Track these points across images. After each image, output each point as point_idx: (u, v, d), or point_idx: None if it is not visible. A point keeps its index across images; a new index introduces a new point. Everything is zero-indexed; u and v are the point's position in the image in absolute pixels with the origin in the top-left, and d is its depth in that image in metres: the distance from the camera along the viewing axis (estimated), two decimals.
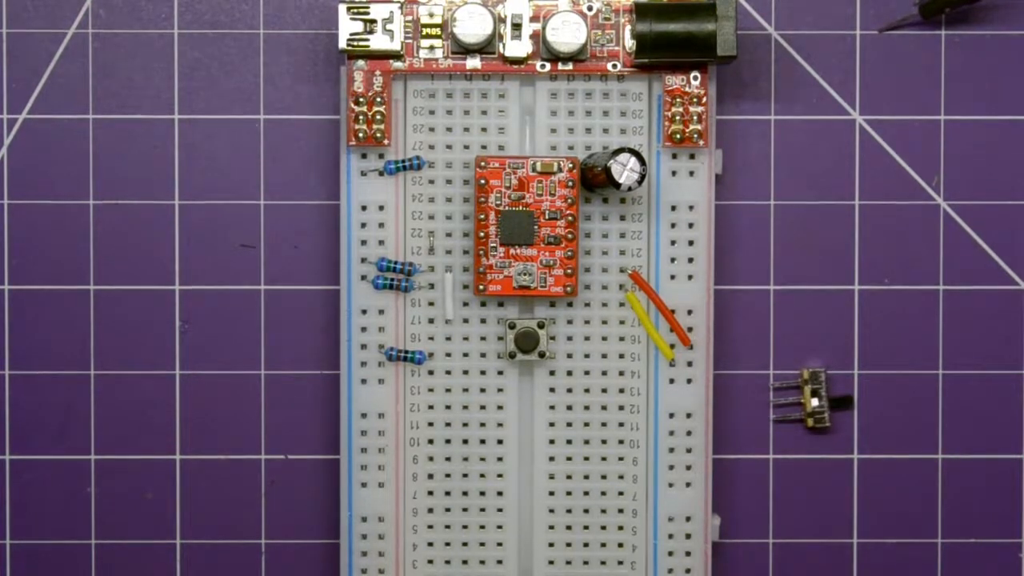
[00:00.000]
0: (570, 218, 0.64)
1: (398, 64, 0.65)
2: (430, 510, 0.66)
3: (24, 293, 0.68)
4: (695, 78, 0.65)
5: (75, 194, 0.68)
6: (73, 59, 0.68)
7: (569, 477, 0.66)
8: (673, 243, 0.66)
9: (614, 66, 0.65)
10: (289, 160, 0.68)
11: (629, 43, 0.65)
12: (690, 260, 0.66)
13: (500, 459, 0.66)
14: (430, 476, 0.66)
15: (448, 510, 0.66)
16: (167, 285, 0.68)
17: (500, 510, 0.66)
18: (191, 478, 0.68)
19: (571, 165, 0.64)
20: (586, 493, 0.66)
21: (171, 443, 0.68)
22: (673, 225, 0.66)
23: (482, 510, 0.67)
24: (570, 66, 0.65)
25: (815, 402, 0.68)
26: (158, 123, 0.68)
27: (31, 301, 0.68)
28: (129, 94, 0.68)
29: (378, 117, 0.65)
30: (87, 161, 0.68)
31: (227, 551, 0.69)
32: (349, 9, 0.64)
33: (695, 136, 0.65)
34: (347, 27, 0.64)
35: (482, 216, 0.64)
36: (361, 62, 0.65)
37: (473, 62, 0.65)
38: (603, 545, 0.67)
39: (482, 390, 0.66)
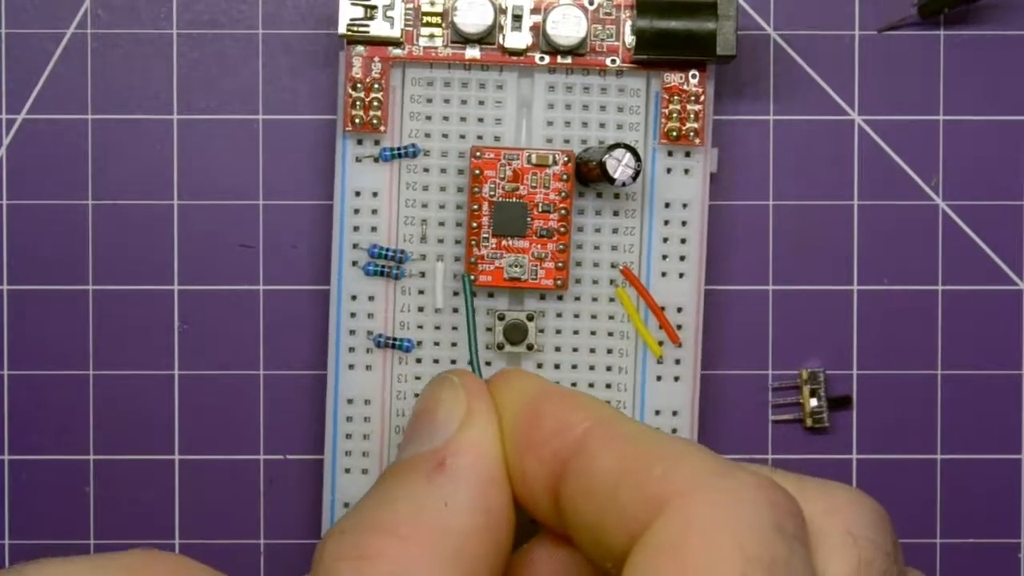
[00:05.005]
0: (563, 211, 0.64)
1: (397, 51, 0.65)
2: None
3: (23, 293, 0.68)
4: (694, 76, 0.65)
5: (74, 194, 0.68)
6: (72, 59, 0.68)
7: None
8: (665, 240, 0.66)
9: (613, 61, 0.65)
10: (288, 160, 0.68)
11: (629, 39, 0.65)
12: (682, 258, 0.66)
13: None
14: None
15: None
16: (166, 285, 0.68)
17: None
18: (190, 478, 0.68)
19: (566, 159, 0.64)
20: None
21: (170, 443, 0.68)
22: (666, 223, 0.66)
23: None
24: (569, 59, 0.65)
25: (814, 402, 0.68)
26: (157, 123, 0.68)
27: (30, 301, 0.68)
28: (128, 94, 0.68)
29: (375, 104, 0.65)
30: (86, 161, 0.68)
31: (226, 551, 0.68)
32: None
33: (691, 134, 0.65)
34: (347, 12, 0.64)
35: (475, 206, 0.64)
36: (360, 48, 0.65)
37: (472, 52, 0.65)
38: None
39: None
